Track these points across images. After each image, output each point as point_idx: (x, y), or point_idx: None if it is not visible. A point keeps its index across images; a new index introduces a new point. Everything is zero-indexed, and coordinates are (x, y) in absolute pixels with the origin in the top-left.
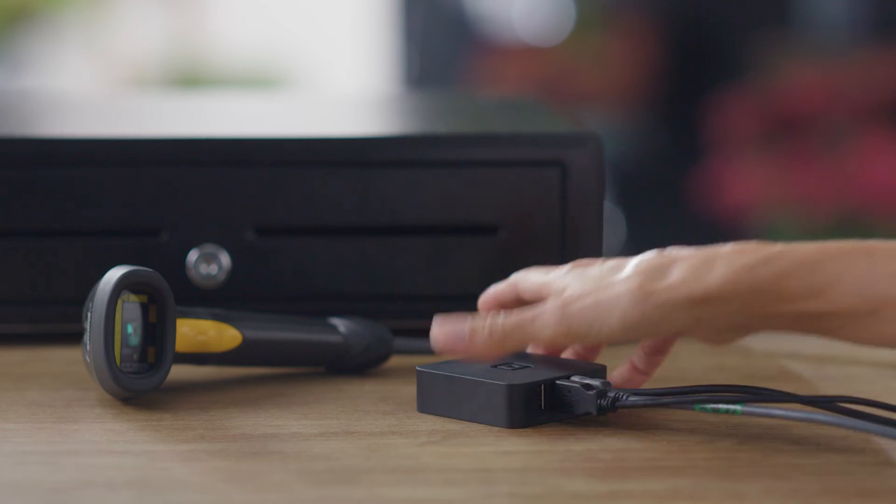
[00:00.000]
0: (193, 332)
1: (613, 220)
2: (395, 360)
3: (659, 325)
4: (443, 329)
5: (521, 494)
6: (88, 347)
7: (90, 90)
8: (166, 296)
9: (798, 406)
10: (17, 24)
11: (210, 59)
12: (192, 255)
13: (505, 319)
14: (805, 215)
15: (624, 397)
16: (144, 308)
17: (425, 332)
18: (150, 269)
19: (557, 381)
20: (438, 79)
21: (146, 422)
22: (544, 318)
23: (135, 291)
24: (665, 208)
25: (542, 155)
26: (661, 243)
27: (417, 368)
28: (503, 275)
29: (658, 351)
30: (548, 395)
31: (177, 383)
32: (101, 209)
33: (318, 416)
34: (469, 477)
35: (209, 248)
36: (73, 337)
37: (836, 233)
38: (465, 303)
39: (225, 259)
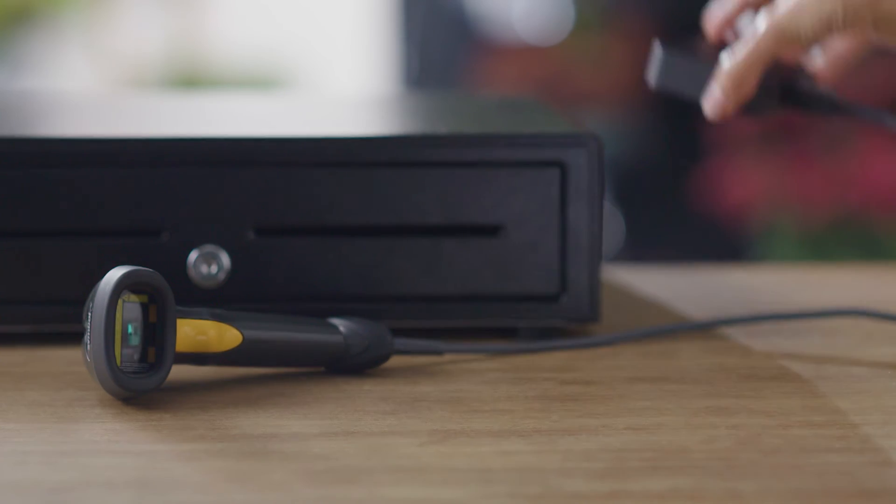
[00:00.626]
0: (194, 331)
1: (611, 220)
2: (395, 360)
3: (845, 21)
4: (706, 105)
5: (521, 494)
6: (89, 347)
7: (90, 90)
8: (166, 296)
9: None
10: (18, 25)
11: (210, 59)
12: (193, 256)
13: (728, 64)
14: (805, 215)
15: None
16: (145, 308)
17: (425, 332)
18: (150, 270)
19: (794, 75)
20: (438, 79)
21: (146, 422)
22: (758, 36)
23: (135, 291)
24: (665, 208)
25: (542, 155)
26: (660, 244)
27: (658, 42)
28: (503, 275)
29: (842, 58)
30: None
31: (177, 383)
32: (101, 209)
33: (319, 416)
34: (469, 477)
35: (209, 248)
36: (74, 337)
37: (835, 233)
38: (465, 303)
39: (225, 259)
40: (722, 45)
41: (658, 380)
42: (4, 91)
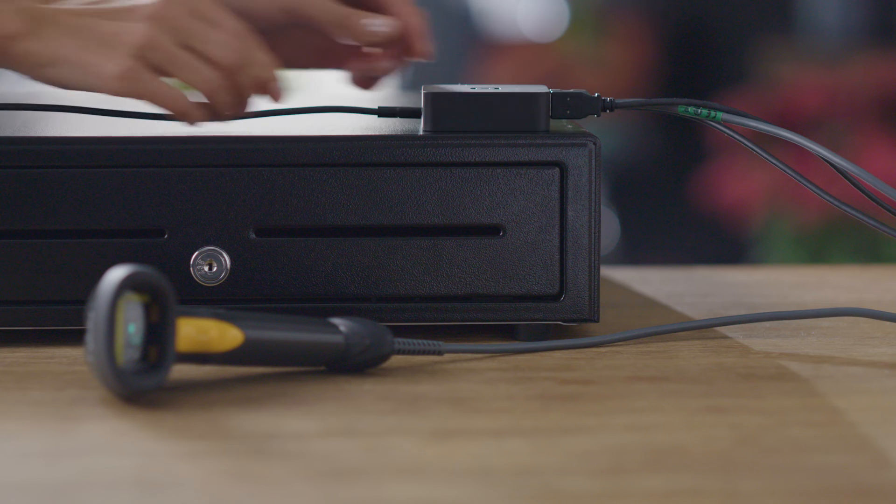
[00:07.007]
0: (195, 331)
1: (605, 219)
2: (395, 360)
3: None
4: None
5: (521, 494)
6: (90, 347)
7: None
8: (168, 295)
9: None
10: None
11: None
12: (194, 256)
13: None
14: (802, 216)
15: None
16: (146, 308)
17: (425, 332)
18: (151, 269)
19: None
20: (436, 77)
21: (148, 421)
22: None
23: (136, 291)
24: (663, 209)
25: (542, 155)
26: (658, 244)
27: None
28: (503, 275)
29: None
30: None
31: (178, 382)
32: (102, 210)
33: (319, 416)
34: (469, 476)
35: (210, 248)
36: (76, 336)
37: (833, 234)
38: (465, 303)
39: (225, 259)
40: None
41: (657, 379)
42: (8, 93)
